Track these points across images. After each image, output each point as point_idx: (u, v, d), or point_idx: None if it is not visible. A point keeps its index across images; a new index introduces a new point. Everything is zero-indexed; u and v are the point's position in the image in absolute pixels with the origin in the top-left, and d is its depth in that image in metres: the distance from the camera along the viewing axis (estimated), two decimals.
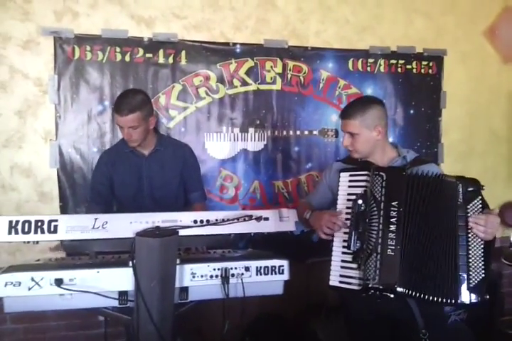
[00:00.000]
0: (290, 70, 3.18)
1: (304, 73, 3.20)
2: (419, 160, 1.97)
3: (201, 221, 1.78)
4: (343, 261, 1.81)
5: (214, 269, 1.69)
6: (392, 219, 1.74)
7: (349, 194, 1.86)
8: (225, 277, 1.69)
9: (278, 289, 1.80)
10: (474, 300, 1.68)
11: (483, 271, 1.70)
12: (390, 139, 2.46)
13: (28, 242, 1.65)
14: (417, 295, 1.68)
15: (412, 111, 3.42)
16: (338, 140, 3.25)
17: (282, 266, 1.77)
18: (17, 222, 1.63)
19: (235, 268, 1.72)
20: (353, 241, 1.74)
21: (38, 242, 1.67)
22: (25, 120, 2.81)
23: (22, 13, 2.76)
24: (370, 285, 1.70)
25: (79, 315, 2.74)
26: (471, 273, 1.69)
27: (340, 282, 1.79)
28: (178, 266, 1.64)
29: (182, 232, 1.67)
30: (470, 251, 1.71)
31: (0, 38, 2.75)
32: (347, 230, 1.79)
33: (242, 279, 1.71)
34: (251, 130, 3.14)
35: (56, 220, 1.66)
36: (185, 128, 3.04)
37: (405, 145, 2.06)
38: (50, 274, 1.55)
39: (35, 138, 2.84)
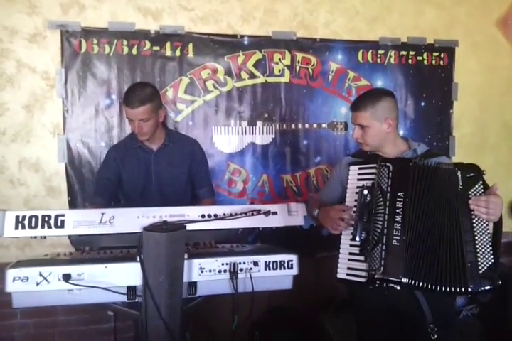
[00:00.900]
0: (299, 62, 3.14)
1: (313, 65, 3.16)
2: (431, 153, 1.95)
3: (209, 215, 1.75)
4: (350, 253, 1.80)
5: (222, 264, 1.68)
6: (398, 210, 1.73)
7: (358, 187, 1.84)
8: (234, 272, 1.67)
9: (287, 284, 1.79)
10: (486, 287, 1.65)
11: (491, 257, 1.67)
12: (401, 132, 2.43)
13: (35, 237, 1.64)
14: (424, 285, 1.66)
15: (423, 104, 3.37)
16: (348, 133, 3.21)
17: (291, 260, 1.76)
18: (24, 216, 1.61)
19: (244, 263, 1.70)
20: (359, 232, 1.74)
21: (45, 237, 1.65)
22: (33, 114, 2.81)
23: (29, 7, 2.75)
24: (375, 276, 1.69)
25: (88, 310, 2.75)
26: (479, 259, 1.66)
27: (348, 274, 1.79)
28: (186, 261, 1.63)
29: (189, 227, 1.66)
30: (476, 237, 1.68)
31: (7, 32, 2.74)
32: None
33: (250, 274, 1.70)
34: (259, 123, 3.12)
35: (63, 215, 1.65)
36: (192, 121, 3.02)
37: (416, 139, 2.04)
38: (58, 269, 1.55)
39: (42, 132, 2.83)
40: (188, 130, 2.97)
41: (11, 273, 1.52)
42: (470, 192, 1.73)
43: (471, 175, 1.75)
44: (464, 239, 1.68)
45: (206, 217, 1.75)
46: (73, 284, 1.54)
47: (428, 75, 3.36)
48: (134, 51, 2.89)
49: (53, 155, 2.84)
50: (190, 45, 2.96)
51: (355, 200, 1.82)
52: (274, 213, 1.83)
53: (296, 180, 3.20)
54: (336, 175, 2.11)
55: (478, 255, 1.67)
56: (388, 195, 1.75)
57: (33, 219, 1.62)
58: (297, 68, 3.14)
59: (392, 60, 3.29)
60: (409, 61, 3.32)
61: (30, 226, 1.61)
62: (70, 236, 1.79)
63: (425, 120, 3.38)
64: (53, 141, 2.84)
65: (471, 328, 2.86)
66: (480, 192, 1.73)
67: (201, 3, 2.98)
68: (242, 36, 3.05)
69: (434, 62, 3.37)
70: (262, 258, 1.73)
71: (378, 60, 3.26)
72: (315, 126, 3.20)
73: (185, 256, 1.63)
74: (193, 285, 1.68)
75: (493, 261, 1.66)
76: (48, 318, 2.84)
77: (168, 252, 1.55)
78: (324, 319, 2.79)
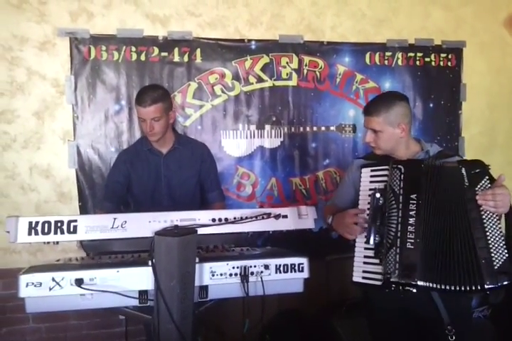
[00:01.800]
0: (306, 66, 3.15)
1: (320, 68, 3.17)
2: (443, 154, 1.94)
3: (219, 219, 1.77)
4: (365, 256, 1.80)
5: (233, 267, 1.68)
6: (411, 212, 1.72)
7: (370, 189, 1.83)
8: (245, 275, 1.68)
9: (298, 287, 1.79)
10: (503, 283, 1.63)
11: (505, 251, 1.65)
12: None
13: (48, 243, 1.65)
14: (440, 286, 1.65)
15: (431, 105, 3.36)
16: (356, 135, 3.21)
17: (302, 263, 1.76)
18: (37, 222, 1.63)
19: (255, 266, 1.70)
20: (373, 235, 1.73)
21: (58, 243, 1.67)
22: (43, 121, 2.84)
23: (38, 15, 2.78)
24: (391, 280, 1.67)
25: (100, 314, 2.76)
26: (493, 254, 1.64)
27: (363, 278, 1.78)
28: (197, 265, 1.63)
29: (200, 231, 1.67)
30: (488, 232, 1.67)
31: (17, 40, 2.77)
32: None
33: (261, 277, 1.70)
34: (267, 127, 3.12)
35: (75, 220, 1.66)
36: (201, 126, 3.03)
37: (425, 140, 2.02)
38: (71, 274, 1.56)
39: (53, 138, 2.86)
40: (197, 134, 2.98)
41: (24, 279, 1.53)
42: (477, 188, 1.71)
43: (477, 170, 1.74)
44: (475, 236, 1.66)
45: (217, 221, 1.76)
46: (86, 289, 1.55)
47: (436, 76, 3.35)
48: (143, 57, 2.92)
49: (64, 161, 2.87)
50: (198, 51, 2.98)
51: (368, 203, 1.81)
52: (285, 216, 1.83)
53: (305, 183, 3.20)
54: (348, 178, 2.10)
55: (492, 250, 1.65)
56: (401, 197, 1.74)
57: (46, 225, 1.64)
58: (305, 71, 3.15)
59: (399, 62, 3.28)
60: (417, 62, 3.32)
61: (43, 232, 1.63)
62: (82, 242, 1.81)
63: (434, 121, 3.37)
64: (64, 147, 2.87)
65: (484, 329, 2.83)
66: (487, 186, 1.71)
67: (208, 9, 3.00)
68: (249, 40, 3.06)
69: (441, 63, 3.36)
70: (273, 262, 1.73)
71: (386, 62, 3.26)
72: (323, 128, 3.20)
73: (197, 259, 1.64)
74: (204, 288, 1.69)
75: (507, 255, 1.64)
76: (59, 323, 2.86)
77: (179, 256, 1.55)
78: (335, 322, 2.77)
